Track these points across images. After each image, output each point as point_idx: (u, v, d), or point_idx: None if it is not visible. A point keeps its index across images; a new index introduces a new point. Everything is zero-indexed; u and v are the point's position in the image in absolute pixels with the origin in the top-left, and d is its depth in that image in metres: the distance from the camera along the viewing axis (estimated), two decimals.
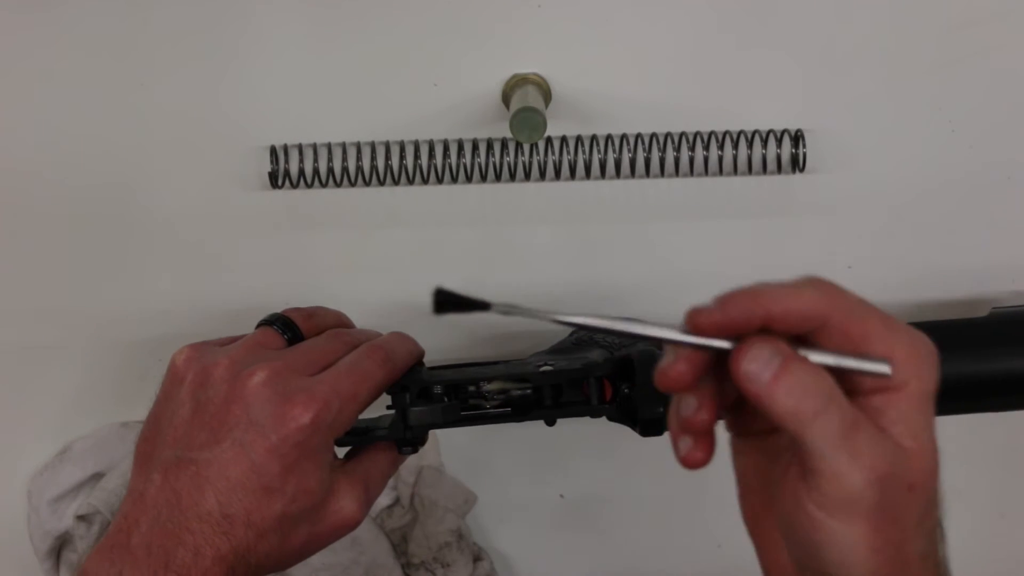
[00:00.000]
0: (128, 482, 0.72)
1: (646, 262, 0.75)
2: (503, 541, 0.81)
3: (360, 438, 0.60)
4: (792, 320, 0.41)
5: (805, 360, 0.40)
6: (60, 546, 0.76)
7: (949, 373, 0.61)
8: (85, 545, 0.74)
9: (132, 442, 0.75)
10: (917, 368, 0.43)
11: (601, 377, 0.63)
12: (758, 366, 0.40)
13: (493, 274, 0.76)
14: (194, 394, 0.55)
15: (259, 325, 0.61)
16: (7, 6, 0.71)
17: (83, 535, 0.74)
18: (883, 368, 0.41)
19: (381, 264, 0.75)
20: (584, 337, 0.71)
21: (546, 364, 0.63)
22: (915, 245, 0.75)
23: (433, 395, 0.61)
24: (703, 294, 0.75)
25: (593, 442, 0.79)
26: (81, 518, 0.74)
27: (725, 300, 0.41)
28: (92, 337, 0.76)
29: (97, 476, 0.75)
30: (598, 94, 0.72)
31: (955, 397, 0.63)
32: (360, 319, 0.68)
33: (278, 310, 0.75)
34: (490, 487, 0.79)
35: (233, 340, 0.59)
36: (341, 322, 0.63)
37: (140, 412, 0.76)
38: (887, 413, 0.42)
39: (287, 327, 0.60)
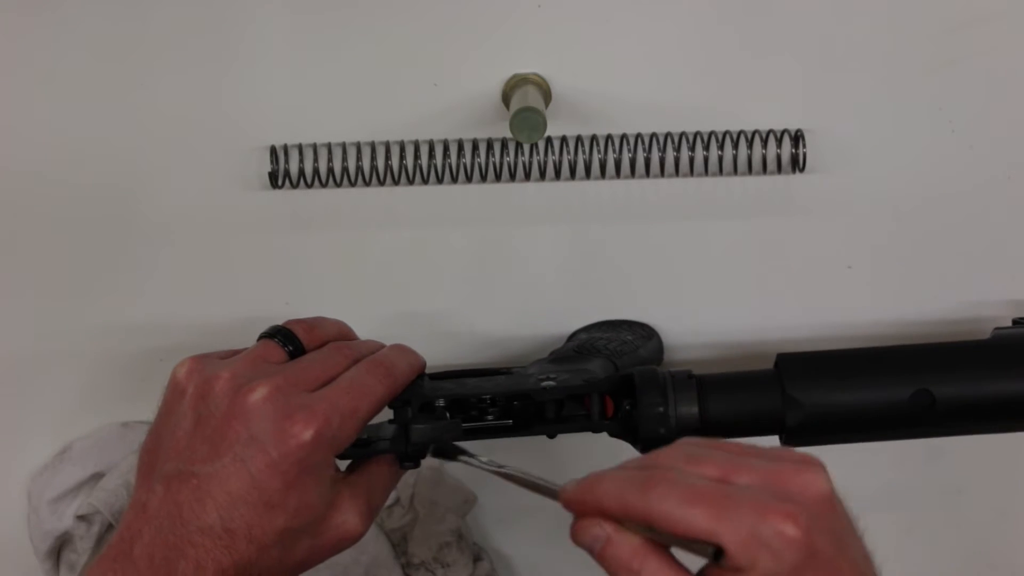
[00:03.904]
0: (128, 483, 0.73)
1: (646, 262, 0.75)
2: (503, 541, 0.81)
3: (362, 450, 0.59)
4: (621, 518, 0.48)
5: (627, 537, 0.48)
6: (60, 546, 0.76)
7: (951, 396, 0.62)
8: (85, 545, 0.74)
9: (132, 442, 0.76)
10: (755, 555, 0.45)
11: (603, 393, 0.63)
12: (588, 541, 0.49)
13: (493, 274, 0.76)
14: (195, 407, 0.55)
15: (260, 337, 0.60)
16: (8, 7, 0.70)
17: (83, 535, 0.74)
18: (704, 550, 0.46)
19: (381, 264, 0.75)
20: (586, 344, 0.71)
21: (548, 378, 0.63)
22: (915, 245, 0.75)
23: (435, 409, 0.61)
24: (703, 294, 0.76)
25: (593, 443, 0.79)
26: (81, 518, 0.74)
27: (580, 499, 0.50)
28: (92, 337, 0.76)
29: (97, 476, 0.75)
30: (598, 94, 0.72)
31: (959, 419, 0.64)
32: (359, 320, 0.68)
33: (278, 307, 0.75)
34: (490, 487, 0.79)
35: (235, 353, 0.59)
36: (342, 333, 0.63)
37: (141, 412, 0.77)
38: None
39: (288, 340, 0.59)
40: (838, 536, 0.48)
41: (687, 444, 0.51)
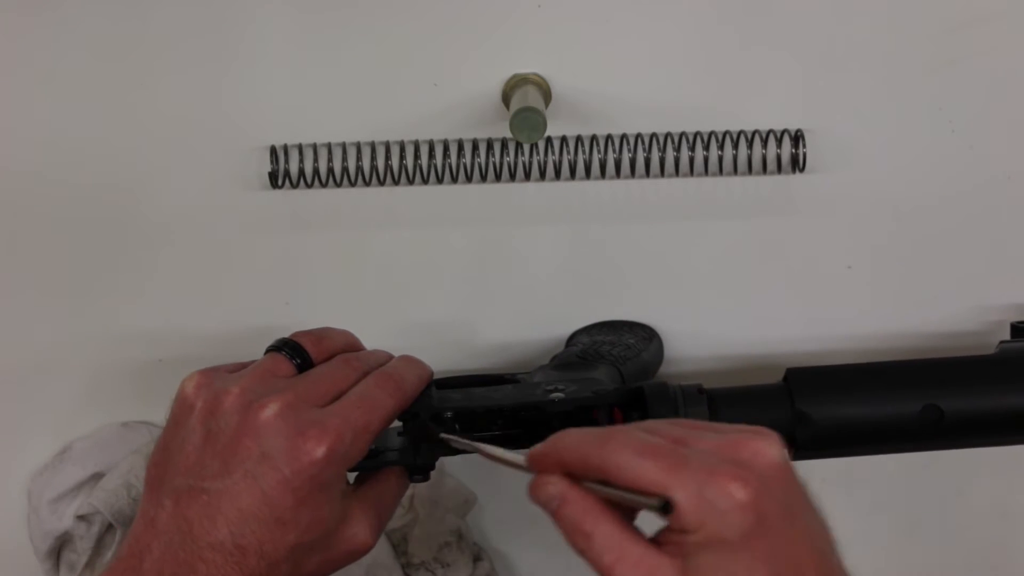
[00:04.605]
0: (128, 483, 0.73)
1: (646, 262, 0.75)
2: (503, 541, 0.81)
3: (371, 462, 0.59)
4: (579, 471, 0.49)
5: (583, 496, 0.48)
6: (60, 546, 0.76)
7: (960, 410, 0.62)
8: (85, 545, 0.74)
9: (132, 442, 0.76)
10: (704, 516, 0.45)
11: (611, 405, 0.63)
12: (545, 499, 0.49)
13: (493, 274, 0.76)
14: (205, 423, 0.55)
15: (268, 350, 0.59)
16: (8, 7, 0.71)
17: (83, 535, 0.74)
18: (652, 502, 0.46)
19: (381, 264, 0.75)
20: (590, 350, 0.71)
21: (556, 390, 0.62)
22: (915, 245, 0.75)
23: (444, 420, 0.61)
24: (703, 294, 0.76)
25: None
26: (81, 518, 0.74)
27: (546, 456, 0.50)
28: (92, 336, 0.76)
29: (97, 476, 0.75)
30: (598, 94, 0.72)
31: (968, 433, 0.64)
32: (360, 320, 0.68)
33: (278, 307, 0.75)
34: (490, 487, 0.79)
35: (242, 366, 0.59)
36: (350, 344, 0.62)
37: (140, 412, 0.77)
38: (682, 552, 0.46)
39: (296, 353, 0.59)
40: (789, 505, 0.47)
41: (647, 422, 0.52)
